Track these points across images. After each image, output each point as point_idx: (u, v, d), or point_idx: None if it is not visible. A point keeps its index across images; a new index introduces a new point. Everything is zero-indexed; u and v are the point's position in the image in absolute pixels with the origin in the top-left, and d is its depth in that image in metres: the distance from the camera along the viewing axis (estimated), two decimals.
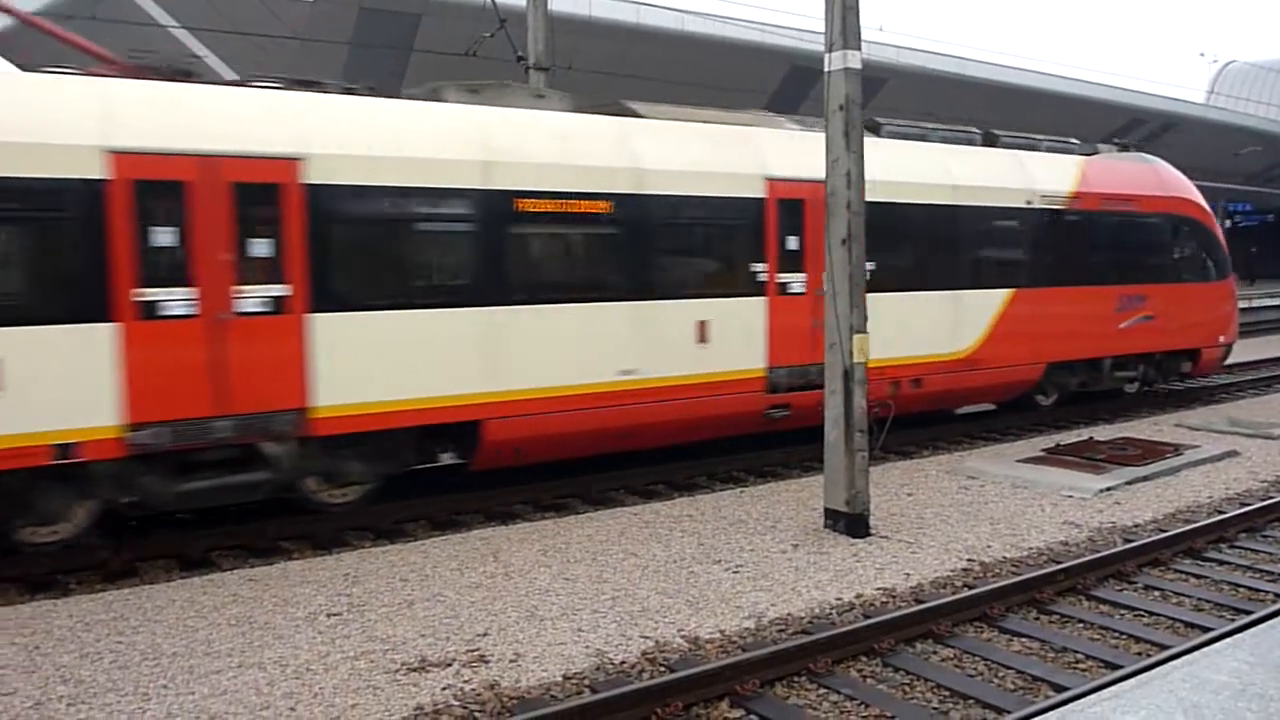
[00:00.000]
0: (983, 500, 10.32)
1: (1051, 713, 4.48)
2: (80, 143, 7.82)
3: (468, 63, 13.81)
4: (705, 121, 11.46)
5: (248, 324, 8.46)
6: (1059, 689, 5.83)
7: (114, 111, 8.05)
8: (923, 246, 12.75)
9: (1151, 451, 12.11)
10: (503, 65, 13.89)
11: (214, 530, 9.23)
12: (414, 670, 6.14)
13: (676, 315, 10.67)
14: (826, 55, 8.85)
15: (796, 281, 11.54)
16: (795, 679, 6.08)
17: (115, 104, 8.10)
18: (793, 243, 11.47)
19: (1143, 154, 16.72)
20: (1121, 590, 7.72)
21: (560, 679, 6.02)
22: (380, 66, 20.17)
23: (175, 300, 8.17)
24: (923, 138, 13.54)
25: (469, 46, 13.94)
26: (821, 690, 5.96)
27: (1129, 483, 10.86)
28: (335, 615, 7.10)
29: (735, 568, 8.11)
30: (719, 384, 11.00)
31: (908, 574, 7.97)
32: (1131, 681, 4.72)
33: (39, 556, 8.30)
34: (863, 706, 5.74)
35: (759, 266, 11.26)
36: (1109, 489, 10.61)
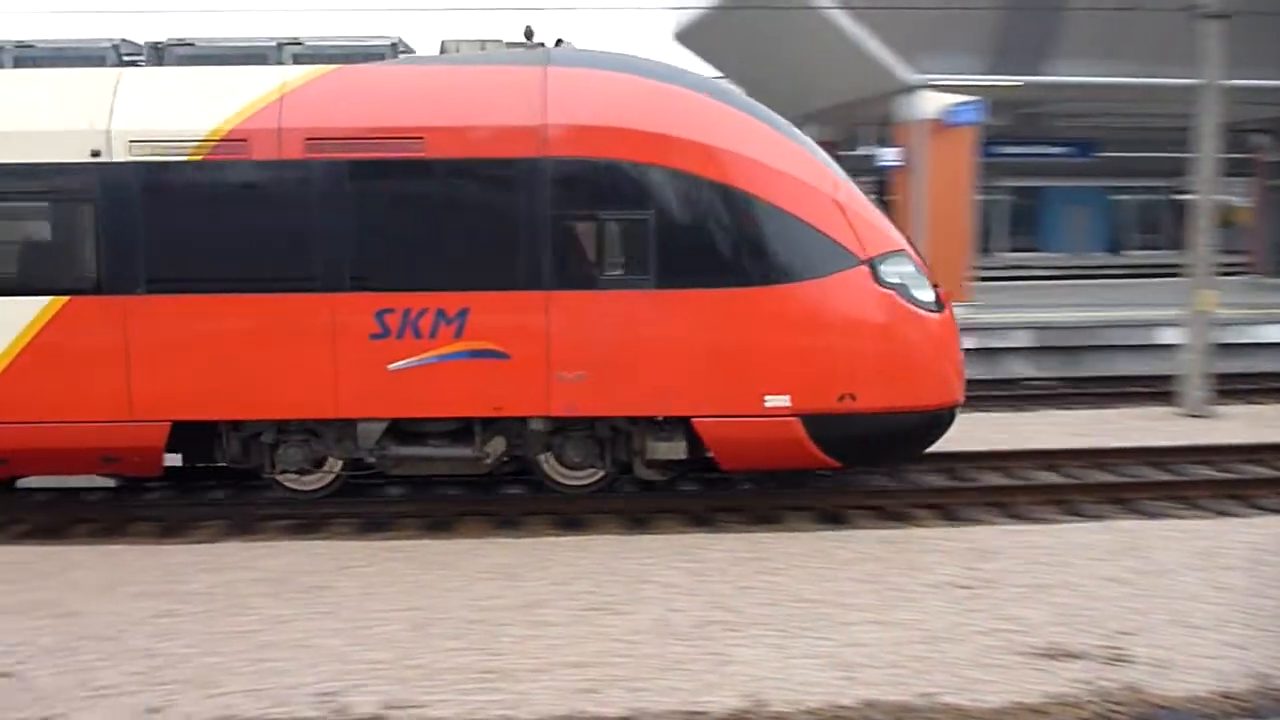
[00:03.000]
0: None
1: None
2: None
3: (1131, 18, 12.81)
4: None
5: None
6: None
7: None
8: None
9: None
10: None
11: (852, 490, 9.80)
12: (1046, 656, 5.96)
13: None
14: None
15: None
16: None
17: None
18: None
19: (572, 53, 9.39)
20: None
21: (1212, 694, 5.46)
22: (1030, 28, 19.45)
23: None
24: None
25: None
26: None
27: None
28: (964, 588, 7.12)
29: None
30: None
31: None
32: None
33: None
34: None
35: None
36: None
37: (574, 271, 8.74)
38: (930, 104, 18.62)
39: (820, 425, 8.76)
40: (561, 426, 9.07)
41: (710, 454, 9.01)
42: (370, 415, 8.94)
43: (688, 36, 22.70)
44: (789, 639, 6.25)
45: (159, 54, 9.20)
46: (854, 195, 9.05)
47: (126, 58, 9.18)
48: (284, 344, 8.71)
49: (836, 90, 21.07)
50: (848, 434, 8.86)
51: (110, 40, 9.26)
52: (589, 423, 9.07)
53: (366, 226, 8.73)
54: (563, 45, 9.39)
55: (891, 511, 9.35)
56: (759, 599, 6.93)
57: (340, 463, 9.31)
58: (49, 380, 8.69)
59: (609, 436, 9.18)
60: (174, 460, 9.33)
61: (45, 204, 8.93)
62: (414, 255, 8.75)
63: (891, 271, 8.78)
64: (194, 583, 7.40)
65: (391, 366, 8.67)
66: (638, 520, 9.08)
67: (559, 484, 9.39)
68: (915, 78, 18.44)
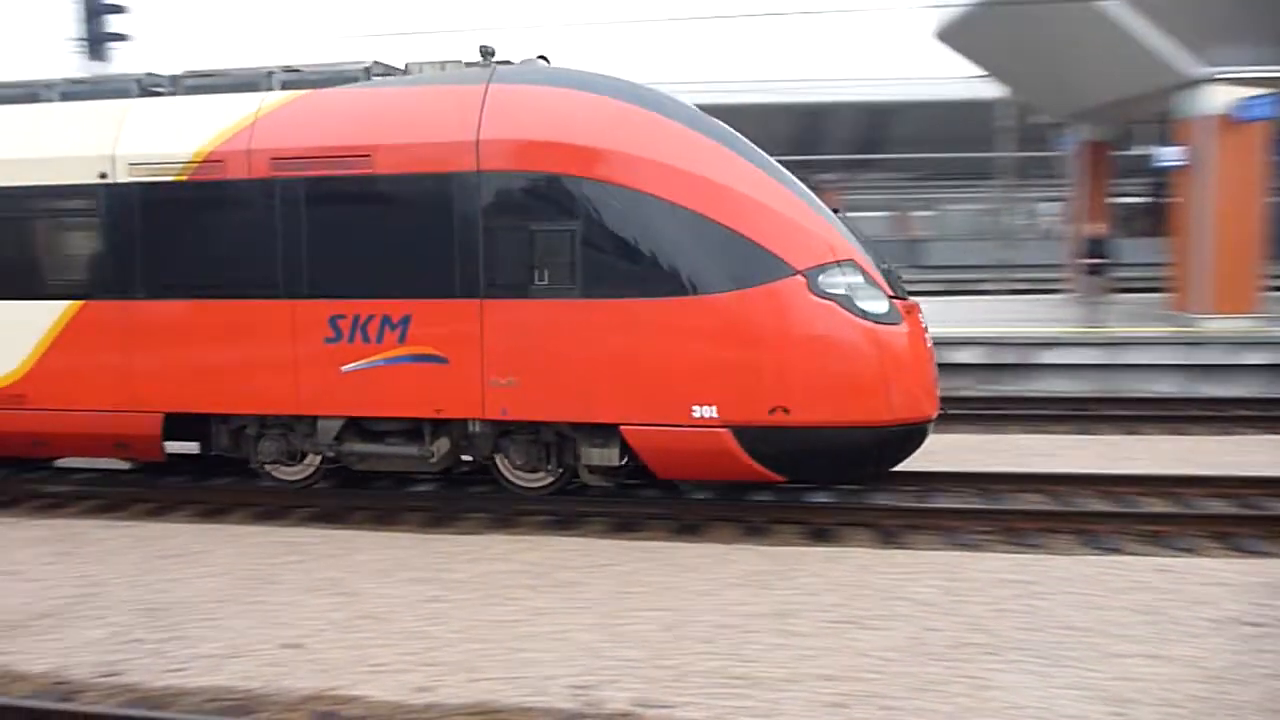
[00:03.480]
0: None
1: None
2: None
3: None
4: None
5: None
6: None
7: None
8: None
9: None
10: None
11: (1126, 515, 9.18)
12: None
13: None
14: None
15: None
16: None
17: None
18: None
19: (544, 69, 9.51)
20: None
21: None
22: None
23: None
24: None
25: None
26: None
27: None
28: (1254, 626, 6.51)
29: None
30: None
31: None
32: None
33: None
34: None
35: None
36: None
37: (505, 281, 8.92)
38: (1218, 98, 17.16)
39: (753, 438, 8.57)
40: (507, 430, 9.32)
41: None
42: (327, 413, 9.50)
43: (950, 35, 21.97)
44: (1052, 667, 5.91)
45: (175, 84, 10.14)
46: (798, 205, 8.76)
47: (151, 89, 10.19)
48: (255, 345, 9.49)
49: (1110, 86, 19.77)
50: (784, 448, 8.64)
51: (134, 75, 10.40)
52: (534, 427, 9.25)
53: (321, 238, 9.33)
54: (522, 63, 9.58)
55: (1169, 539, 8.67)
56: (1019, 622, 6.59)
57: (319, 456, 9.88)
58: (68, 373, 9.87)
59: (553, 441, 9.32)
60: (179, 449, 10.27)
61: (67, 219, 10.12)
62: (362, 265, 9.29)
63: (832, 282, 8.48)
64: (459, 571, 7.83)
65: (344, 368, 9.25)
66: (889, 535, 8.86)
67: (513, 484, 9.67)
68: (1201, 70, 17.04)
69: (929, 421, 8.96)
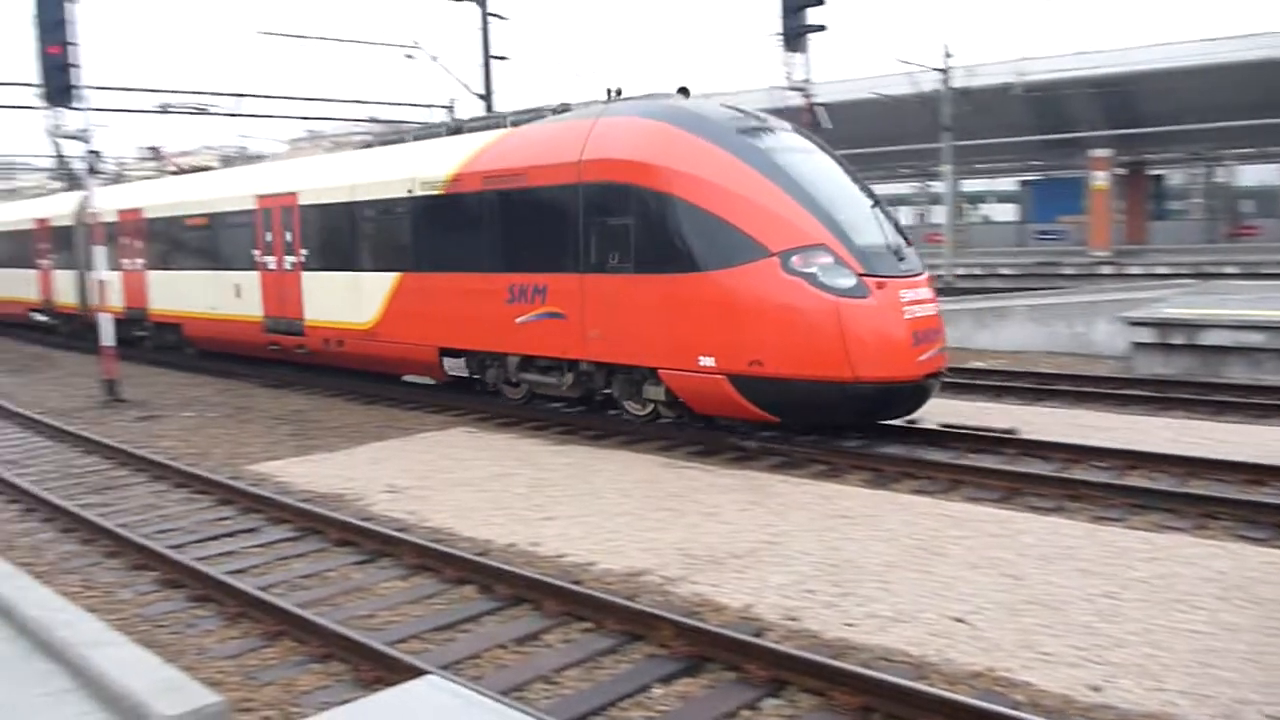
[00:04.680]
0: None
1: None
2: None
3: None
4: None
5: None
6: None
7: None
8: (331, 234, 16.35)
9: None
10: None
11: None
12: None
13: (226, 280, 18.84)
14: None
15: (286, 262, 17.35)
16: None
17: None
18: (275, 237, 17.55)
19: (647, 104, 12.29)
20: None
21: None
22: None
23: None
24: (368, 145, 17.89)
25: None
26: None
27: None
28: None
29: None
30: (246, 322, 18.31)
31: None
32: None
33: None
34: None
35: (255, 253, 17.97)
36: None
37: (594, 261, 11.99)
38: None
39: (741, 384, 10.86)
40: (613, 370, 12.33)
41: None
42: (511, 351, 13.46)
43: None
44: None
45: (458, 126, 15.51)
46: (785, 200, 10.82)
47: (455, 129, 15.43)
48: (476, 304, 13.60)
49: None
50: (766, 394, 10.81)
51: (444, 121, 16.26)
52: (627, 369, 12.14)
53: (503, 231, 13.23)
54: (643, 97, 12.64)
55: None
56: None
57: (526, 384, 13.70)
58: (396, 319, 14.90)
59: (638, 380, 12.14)
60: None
61: (396, 220, 15.00)
62: (524, 249, 12.95)
63: (802, 262, 10.50)
64: (1138, 570, 7.26)
65: (517, 320, 13.03)
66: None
67: (627, 412, 12.73)
68: None
69: (908, 381, 10.73)
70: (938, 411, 12.61)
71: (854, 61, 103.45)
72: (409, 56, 32.54)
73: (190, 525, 9.60)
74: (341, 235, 16.18)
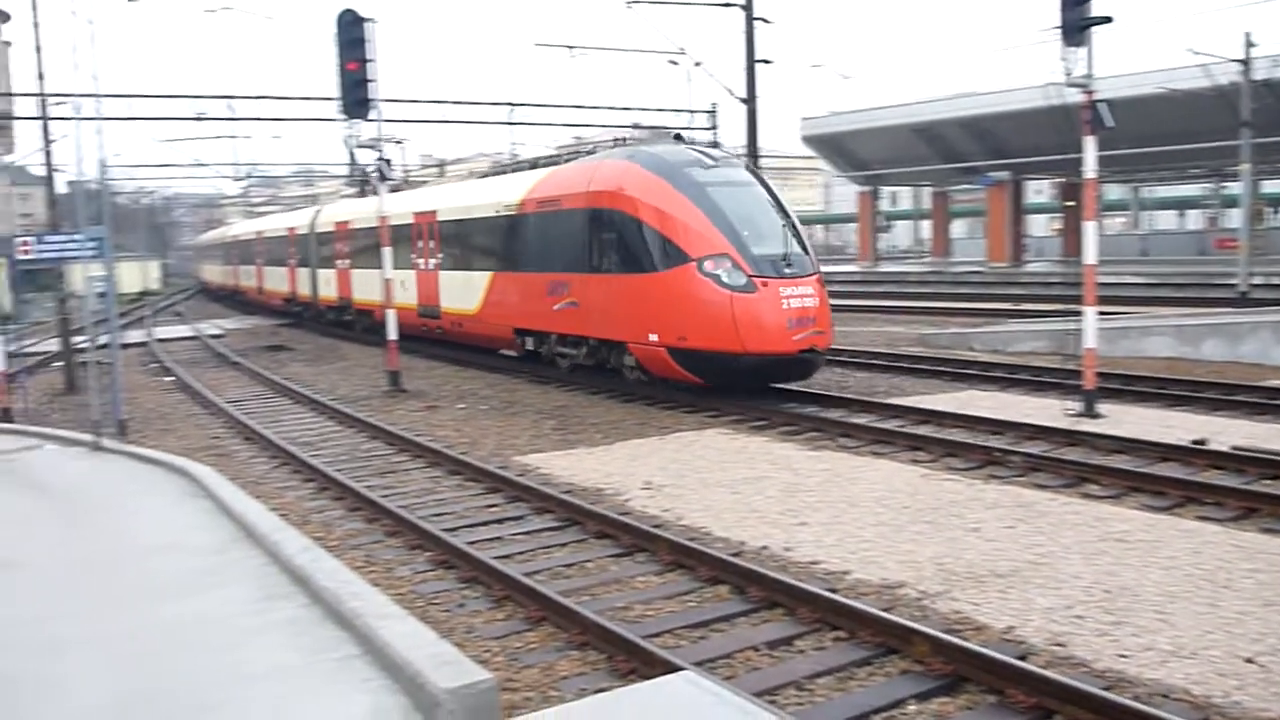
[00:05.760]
0: None
1: None
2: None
3: None
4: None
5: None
6: None
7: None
8: (455, 243, 22.16)
9: None
10: None
11: None
12: None
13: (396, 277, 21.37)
14: None
15: (430, 263, 23.22)
16: None
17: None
18: (424, 245, 23.42)
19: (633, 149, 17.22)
20: None
21: None
22: None
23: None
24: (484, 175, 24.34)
25: None
26: None
27: None
28: None
29: None
30: (408, 309, 23.31)
31: None
32: None
33: None
34: None
35: (412, 256, 23.80)
36: None
37: (592, 264, 16.45)
38: None
39: (675, 354, 15.08)
40: (613, 347, 16.60)
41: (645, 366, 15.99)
42: (550, 330, 18.28)
43: None
44: None
45: (534, 162, 20.97)
46: (705, 222, 14.91)
47: (535, 164, 20.95)
48: (532, 295, 18.42)
49: None
50: (690, 361, 15.02)
51: (532, 158, 22.87)
52: (614, 344, 16.49)
53: (548, 242, 18.02)
54: (634, 142, 18.77)
55: None
56: None
57: (559, 355, 18.45)
58: (492, 306, 20.07)
59: (621, 352, 16.43)
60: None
61: (490, 231, 20.24)
62: (557, 256, 17.58)
63: (711, 266, 14.59)
64: None
65: (554, 308, 17.60)
66: None
67: (627, 375, 16.68)
68: None
69: (785, 354, 14.56)
70: (1231, 438, 11.58)
71: (1141, 54, 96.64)
72: (673, 63, 33.20)
73: (462, 510, 10.20)
74: (460, 243, 21.92)
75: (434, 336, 23.51)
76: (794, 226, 15.66)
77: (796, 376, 15.50)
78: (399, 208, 23.95)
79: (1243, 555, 7.84)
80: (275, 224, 39.92)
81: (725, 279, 14.39)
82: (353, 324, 28.95)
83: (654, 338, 15.17)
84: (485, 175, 24.21)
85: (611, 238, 15.88)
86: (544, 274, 17.92)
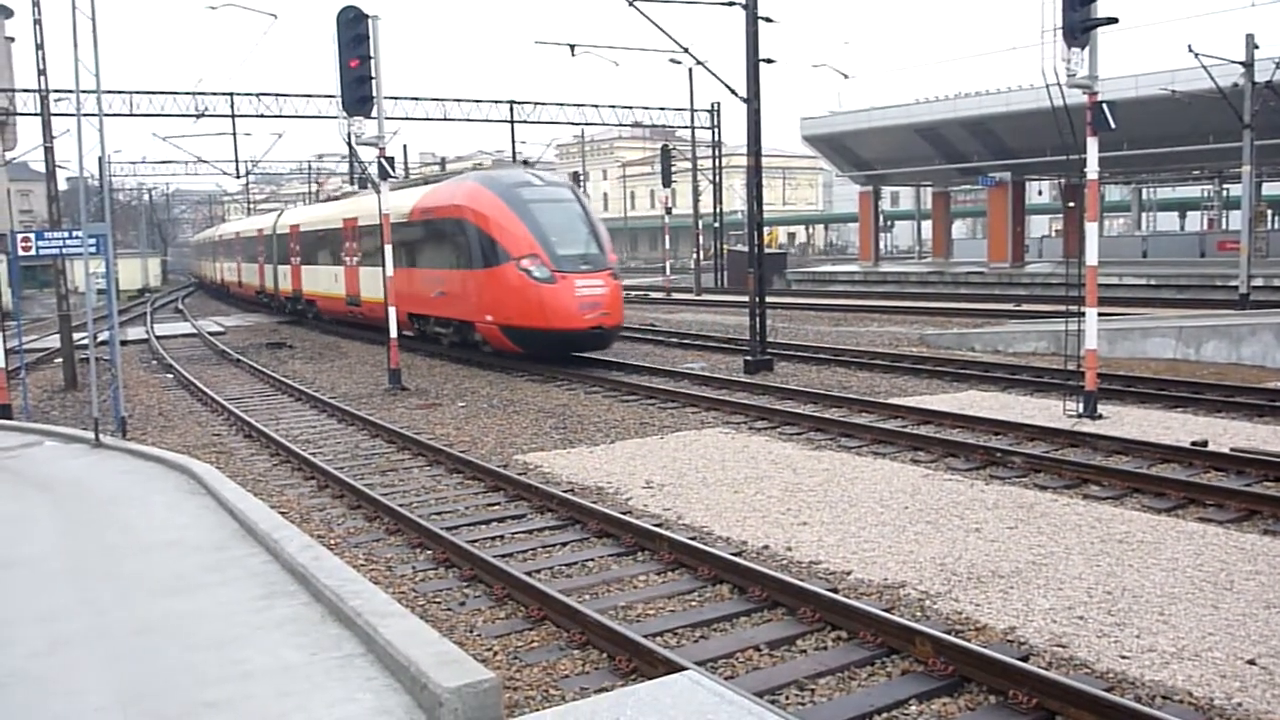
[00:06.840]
0: None
1: None
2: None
3: None
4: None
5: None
6: None
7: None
8: (369, 244, 26.43)
9: None
10: None
11: None
12: None
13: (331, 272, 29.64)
14: None
15: (354, 260, 28.25)
16: None
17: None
18: (349, 245, 28.84)
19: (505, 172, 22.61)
20: None
21: None
22: None
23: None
24: (398, 187, 25.39)
25: None
26: None
27: None
28: None
29: None
30: (339, 298, 29.23)
31: None
32: None
33: None
34: None
35: (342, 255, 29.20)
36: None
37: (451, 261, 21.50)
38: None
39: (505, 330, 19.98)
40: (468, 326, 21.50)
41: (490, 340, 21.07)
42: (430, 313, 23.10)
43: None
44: None
45: (424, 179, 27.68)
46: (521, 227, 19.82)
47: (429, 180, 26.79)
48: (420, 286, 22.91)
49: None
50: (515, 336, 19.92)
51: (427, 175, 32.85)
52: (468, 324, 21.45)
53: (429, 244, 22.88)
54: (493, 164, 29.68)
55: None
56: None
57: (437, 335, 23.49)
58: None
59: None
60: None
61: (401, 235, 22.40)
62: (436, 255, 22.45)
63: (525, 264, 19.36)
64: None
65: (432, 295, 22.31)
66: None
67: (485, 350, 21.52)
68: None
69: (579, 330, 19.46)
70: (1231, 439, 11.56)
71: (1141, 55, 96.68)
72: (675, 61, 33.10)
73: (463, 509, 10.19)
74: (372, 244, 25.43)
75: (359, 321, 28.62)
76: (596, 234, 20.72)
77: (591, 347, 20.53)
78: (332, 213, 30.63)
79: (1244, 557, 7.83)
80: (250, 225, 47.11)
81: (535, 273, 19.28)
82: (304, 312, 34.63)
83: (490, 318, 20.23)
84: (395, 189, 28.70)
85: (464, 241, 20.84)
86: (426, 269, 23.03)
